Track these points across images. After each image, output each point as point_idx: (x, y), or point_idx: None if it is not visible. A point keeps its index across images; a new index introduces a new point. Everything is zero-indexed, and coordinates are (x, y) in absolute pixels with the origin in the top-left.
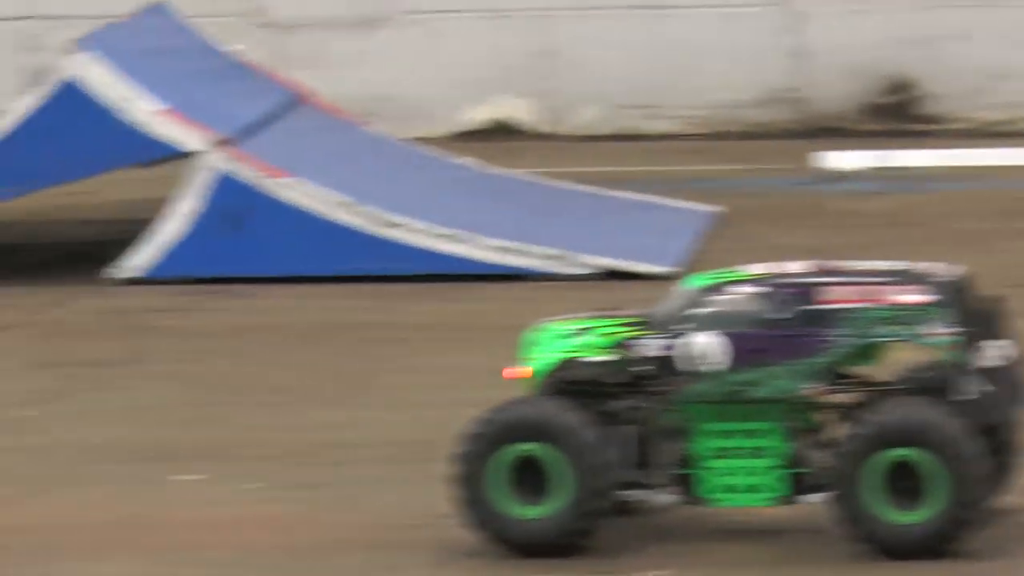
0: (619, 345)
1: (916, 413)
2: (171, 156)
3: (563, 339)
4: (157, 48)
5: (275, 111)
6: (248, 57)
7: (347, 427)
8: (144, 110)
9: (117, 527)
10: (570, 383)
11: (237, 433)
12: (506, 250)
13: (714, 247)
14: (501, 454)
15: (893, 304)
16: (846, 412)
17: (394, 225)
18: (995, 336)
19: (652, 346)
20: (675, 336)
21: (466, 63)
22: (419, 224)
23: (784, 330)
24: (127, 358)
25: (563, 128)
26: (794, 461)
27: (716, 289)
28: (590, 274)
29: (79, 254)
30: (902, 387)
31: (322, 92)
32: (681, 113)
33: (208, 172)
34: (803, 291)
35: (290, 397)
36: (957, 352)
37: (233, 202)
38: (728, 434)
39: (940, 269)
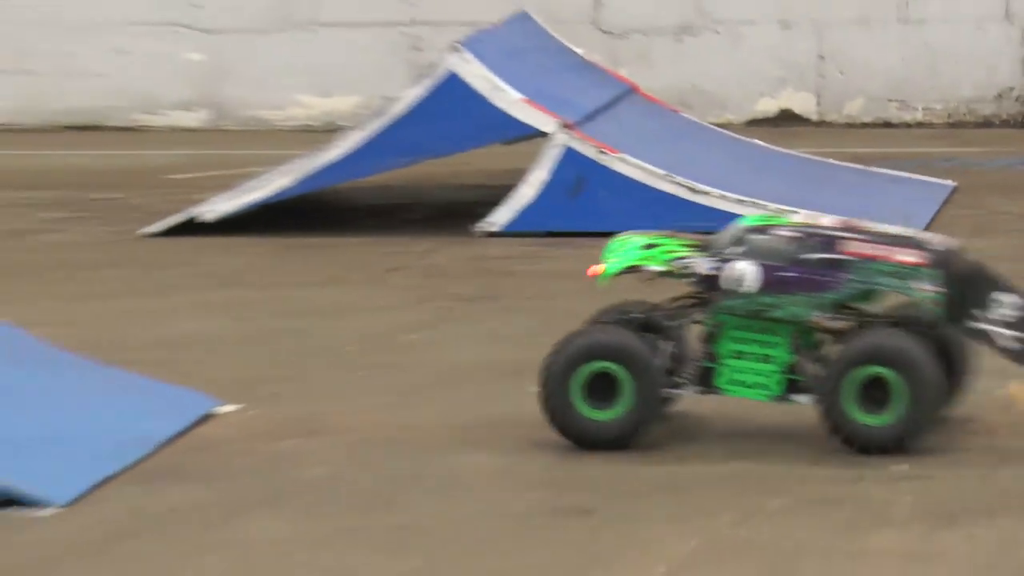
0: (677, 260)
1: (890, 339)
2: (527, 136)
3: (635, 249)
4: (520, 48)
5: (611, 101)
6: (591, 57)
7: None
8: (508, 99)
9: (478, 427)
10: (624, 309)
11: None
12: (786, 213)
13: (948, 212)
14: (580, 370)
15: (895, 262)
16: (839, 335)
17: (701, 192)
18: (994, 293)
19: (703, 266)
20: (722, 260)
21: (760, 63)
22: (720, 191)
23: (807, 269)
24: (488, 295)
25: (834, 117)
26: (793, 369)
27: (761, 229)
28: None
29: (452, 212)
30: (884, 320)
31: (645, 85)
32: (927, 106)
33: (556, 149)
34: (827, 241)
35: None
36: (937, 305)
37: (575, 173)
38: (746, 341)
39: (937, 239)
